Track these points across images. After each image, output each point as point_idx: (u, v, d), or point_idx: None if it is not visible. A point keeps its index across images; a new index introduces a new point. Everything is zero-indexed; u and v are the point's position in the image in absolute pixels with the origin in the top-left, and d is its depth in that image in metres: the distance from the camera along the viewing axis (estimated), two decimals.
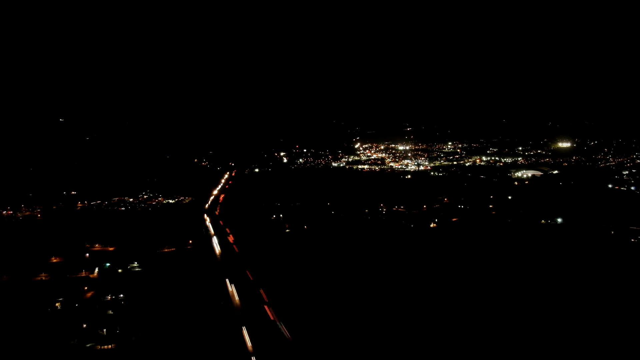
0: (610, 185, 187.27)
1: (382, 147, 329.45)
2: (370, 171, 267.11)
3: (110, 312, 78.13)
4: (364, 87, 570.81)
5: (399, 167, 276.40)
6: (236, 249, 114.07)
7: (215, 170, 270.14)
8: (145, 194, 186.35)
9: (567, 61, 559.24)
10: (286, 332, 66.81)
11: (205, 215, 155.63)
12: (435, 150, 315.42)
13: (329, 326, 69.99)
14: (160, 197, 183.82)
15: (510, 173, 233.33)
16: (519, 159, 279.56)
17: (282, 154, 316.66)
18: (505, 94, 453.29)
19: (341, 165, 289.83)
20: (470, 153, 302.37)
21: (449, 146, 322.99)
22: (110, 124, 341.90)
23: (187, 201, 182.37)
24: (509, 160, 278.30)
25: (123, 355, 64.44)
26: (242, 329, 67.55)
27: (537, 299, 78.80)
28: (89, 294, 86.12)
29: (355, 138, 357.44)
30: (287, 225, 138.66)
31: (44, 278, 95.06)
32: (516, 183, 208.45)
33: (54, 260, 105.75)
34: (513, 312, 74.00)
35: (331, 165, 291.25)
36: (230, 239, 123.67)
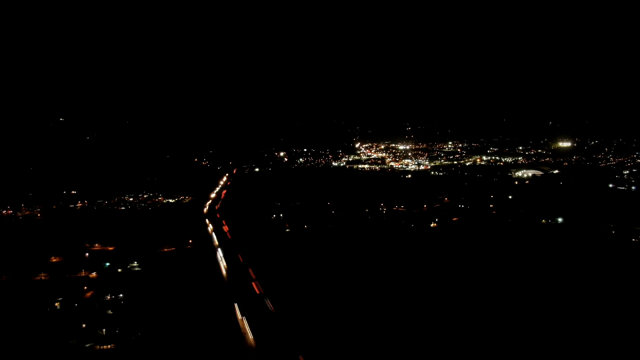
0: (610, 185, 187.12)
1: (383, 147, 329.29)
2: (371, 171, 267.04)
3: (110, 312, 77.87)
4: (364, 87, 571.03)
5: (399, 166, 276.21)
6: (235, 246, 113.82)
7: (216, 169, 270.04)
8: (146, 194, 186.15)
9: (568, 61, 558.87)
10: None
11: (206, 215, 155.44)
12: (436, 150, 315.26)
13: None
14: (160, 197, 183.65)
15: (510, 173, 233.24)
16: (520, 158, 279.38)
17: (282, 153, 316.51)
18: (505, 93, 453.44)
19: (341, 164, 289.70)
20: (471, 152, 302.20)
21: (449, 146, 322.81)
22: (111, 123, 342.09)
23: (187, 201, 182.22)
24: (509, 159, 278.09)
25: (122, 355, 64.18)
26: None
27: (538, 298, 78.55)
28: (89, 294, 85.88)
29: (355, 137, 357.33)
30: (287, 225, 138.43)
31: (43, 278, 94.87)
32: (516, 183, 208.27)
33: (54, 260, 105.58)
34: (514, 312, 73.74)
35: (331, 164, 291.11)
36: (230, 238, 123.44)
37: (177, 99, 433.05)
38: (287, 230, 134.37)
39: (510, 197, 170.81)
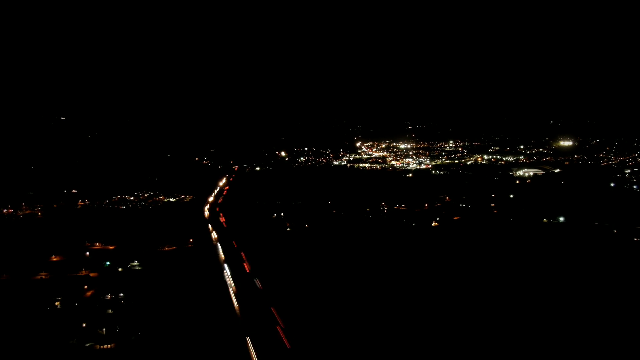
0: (612, 184, 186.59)
1: (384, 146, 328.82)
2: (372, 170, 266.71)
3: (110, 311, 77.75)
4: (366, 86, 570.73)
5: (401, 165, 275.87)
6: (236, 245, 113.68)
7: (217, 168, 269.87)
8: (146, 193, 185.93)
9: (569, 60, 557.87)
10: None
11: (206, 214, 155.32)
12: (437, 149, 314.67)
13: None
14: (161, 196, 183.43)
15: (511, 172, 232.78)
16: (521, 157, 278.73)
17: (283, 152, 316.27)
18: (506, 92, 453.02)
19: (342, 163, 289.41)
20: (472, 151, 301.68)
21: (451, 145, 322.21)
22: (112, 122, 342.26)
23: (188, 200, 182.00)
24: (510, 158, 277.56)
25: (122, 355, 64.04)
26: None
27: (540, 298, 78.31)
28: (89, 293, 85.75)
29: (356, 136, 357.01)
30: (287, 224, 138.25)
31: (44, 277, 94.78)
32: (518, 182, 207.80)
33: (54, 259, 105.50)
34: (515, 312, 73.51)
35: (332, 163, 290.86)
36: (231, 238, 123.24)
37: (178, 98, 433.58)
38: (288, 229, 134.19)
39: (511, 196, 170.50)
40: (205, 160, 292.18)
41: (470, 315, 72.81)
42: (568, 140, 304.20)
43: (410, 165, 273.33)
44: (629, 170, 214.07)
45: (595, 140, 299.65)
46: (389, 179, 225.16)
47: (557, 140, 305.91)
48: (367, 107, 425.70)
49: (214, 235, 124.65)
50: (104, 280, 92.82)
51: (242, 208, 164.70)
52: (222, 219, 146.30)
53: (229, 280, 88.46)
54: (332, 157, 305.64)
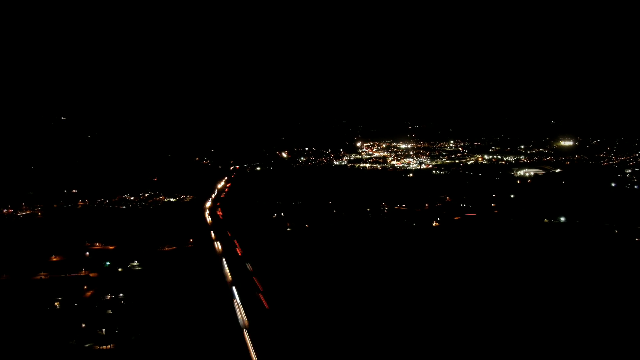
0: (613, 184, 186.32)
1: (384, 146, 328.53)
2: (372, 170, 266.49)
3: (110, 311, 77.44)
4: (366, 86, 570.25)
5: (401, 165, 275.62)
6: (237, 245, 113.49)
7: (217, 168, 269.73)
8: (147, 193, 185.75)
9: (569, 59, 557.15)
10: None
11: (207, 214, 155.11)
12: (437, 149, 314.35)
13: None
14: (161, 196, 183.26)
15: (512, 171, 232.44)
16: (521, 157, 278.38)
17: (283, 152, 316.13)
18: (507, 92, 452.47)
19: (343, 163, 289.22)
20: (472, 151, 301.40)
21: (451, 144, 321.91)
22: (112, 122, 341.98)
23: (188, 199, 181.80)
24: (511, 158, 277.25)
25: (122, 355, 63.82)
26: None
27: (541, 298, 78.03)
28: (89, 293, 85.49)
29: (356, 136, 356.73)
30: (288, 224, 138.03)
31: (43, 277, 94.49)
32: (518, 182, 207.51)
33: (54, 259, 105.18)
34: (516, 312, 73.24)
35: (333, 163, 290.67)
36: (231, 236, 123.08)
37: (178, 98, 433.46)
38: (289, 229, 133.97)
39: (512, 196, 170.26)
40: (206, 160, 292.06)
41: (471, 315, 72.55)
42: (569, 140, 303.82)
43: (411, 165, 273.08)
44: (629, 170, 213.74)
45: (596, 140, 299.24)
46: (390, 179, 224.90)
47: (558, 140, 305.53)
48: (368, 107, 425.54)
49: (214, 235, 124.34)
50: (104, 280, 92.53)
51: (243, 208, 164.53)
52: (222, 219, 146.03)
53: (229, 279, 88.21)
54: (333, 157, 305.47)
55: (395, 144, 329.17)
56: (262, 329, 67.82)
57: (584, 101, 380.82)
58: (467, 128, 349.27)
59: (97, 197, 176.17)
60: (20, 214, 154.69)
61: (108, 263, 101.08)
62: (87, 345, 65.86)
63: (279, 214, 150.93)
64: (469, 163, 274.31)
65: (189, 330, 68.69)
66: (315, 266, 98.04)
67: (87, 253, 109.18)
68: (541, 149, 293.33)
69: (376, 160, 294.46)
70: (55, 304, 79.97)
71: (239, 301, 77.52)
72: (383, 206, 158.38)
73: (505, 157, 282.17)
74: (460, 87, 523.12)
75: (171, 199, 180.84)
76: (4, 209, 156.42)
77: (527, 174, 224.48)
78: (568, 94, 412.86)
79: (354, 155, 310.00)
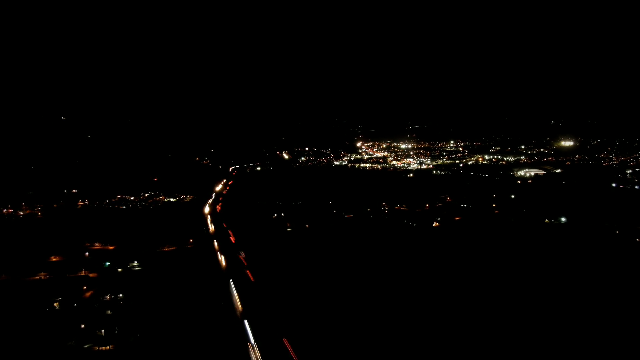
0: (613, 184, 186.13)
1: (384, 146, 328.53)
2: (372, 170, 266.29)
3: (109, 312, 77.09)
4: (366, 86, 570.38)
5: (401, 165, 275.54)
6: (237, 244, 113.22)
7: (217, 168, 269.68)
8: (147, 193, 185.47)
9: (570, 60, 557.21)
10: None
11: (207, 214, 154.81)
12: (438, 149, 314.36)
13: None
14: (161, 196, 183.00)
15: (513, 172, 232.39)
16: (522, 157, 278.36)
17: (284, 152, 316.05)
18: (507, 92, 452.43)
19: (343, 163, 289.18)
20: (473, 152, 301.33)
21: (451, 145, 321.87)
22: (112, 122, 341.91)
23: (188, 200, 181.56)
24: (511, 158, 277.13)
25: (121, 356, 63.50)
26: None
27: (541, 298, 77.76)
28: (88, 294, 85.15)
29: (357, 137, 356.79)
30: (288, 224, 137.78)
31: (42, 277, 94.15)
32: (519, 182, 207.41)
33: (54, 259, 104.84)
34: (516, 312, 72.95)
35: (333, 163, 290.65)
36: (232, 238, 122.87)
37: (178, 98, 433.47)
38: (289, 229, 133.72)
39: (512, 196, 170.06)
40: (206, 160, 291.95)
41: (472, 315, 72.26)
42: (569, 140, 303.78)
43: (411, 166, 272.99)
44: (630, 171, 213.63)
45: (597, 141, 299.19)
46: (390, 179, 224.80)
47: (558, 140, 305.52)
48: (368, 107, 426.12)
49: (214, 234, 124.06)
50: (104, 280, 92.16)
51: (243, 208, 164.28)
52: (222, 220, 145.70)
53: (229, 279, 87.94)
54: (333, 157, 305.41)
55: (395, 144, 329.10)
56: (262, 329, 67.51)
57: (584, 101, 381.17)
58: (468, 128, 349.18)
59: (97, 197, 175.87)
60: (20, 213, 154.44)
61: (108, 263, 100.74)
62: (86, 346, 65.53)
63: (279, 214, 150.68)
64: (469, 163, 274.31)
65: (188, 331, 68.40)
66: (316, 266, 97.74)
67: (87, 253, 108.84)
68: (542, 149, 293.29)
69: (376, 160, 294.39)
70: (55, 304, 79.59)
71: (239, 302, 77.27)
72: (383, 206, 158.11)
73: (506, 157, 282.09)
74: (461, 87, 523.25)
75: (171, 199, 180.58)
76: (4, 209, 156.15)
77: (527, 174, 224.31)
78: (568, 94, 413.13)
79: (354, 155, 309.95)
